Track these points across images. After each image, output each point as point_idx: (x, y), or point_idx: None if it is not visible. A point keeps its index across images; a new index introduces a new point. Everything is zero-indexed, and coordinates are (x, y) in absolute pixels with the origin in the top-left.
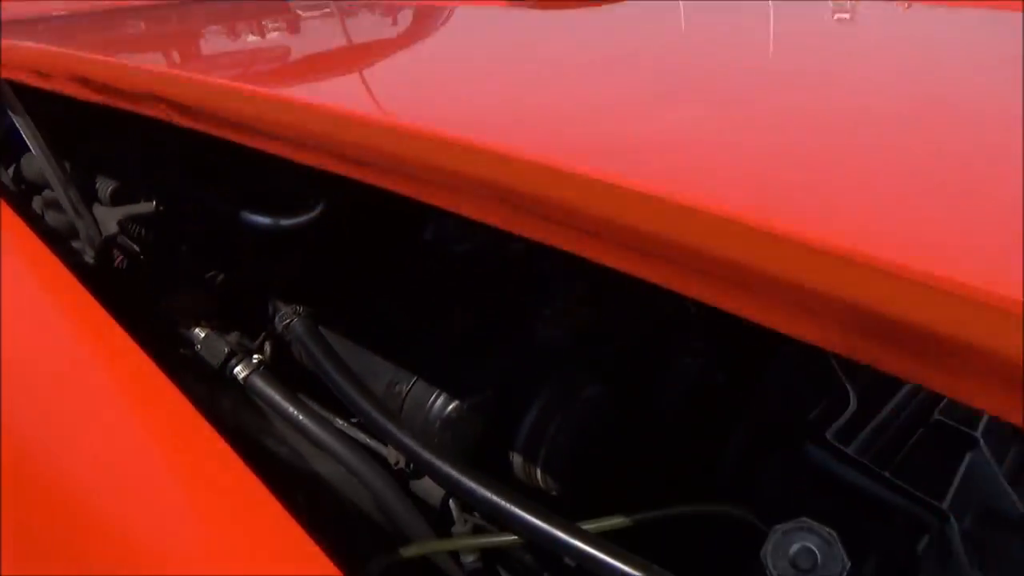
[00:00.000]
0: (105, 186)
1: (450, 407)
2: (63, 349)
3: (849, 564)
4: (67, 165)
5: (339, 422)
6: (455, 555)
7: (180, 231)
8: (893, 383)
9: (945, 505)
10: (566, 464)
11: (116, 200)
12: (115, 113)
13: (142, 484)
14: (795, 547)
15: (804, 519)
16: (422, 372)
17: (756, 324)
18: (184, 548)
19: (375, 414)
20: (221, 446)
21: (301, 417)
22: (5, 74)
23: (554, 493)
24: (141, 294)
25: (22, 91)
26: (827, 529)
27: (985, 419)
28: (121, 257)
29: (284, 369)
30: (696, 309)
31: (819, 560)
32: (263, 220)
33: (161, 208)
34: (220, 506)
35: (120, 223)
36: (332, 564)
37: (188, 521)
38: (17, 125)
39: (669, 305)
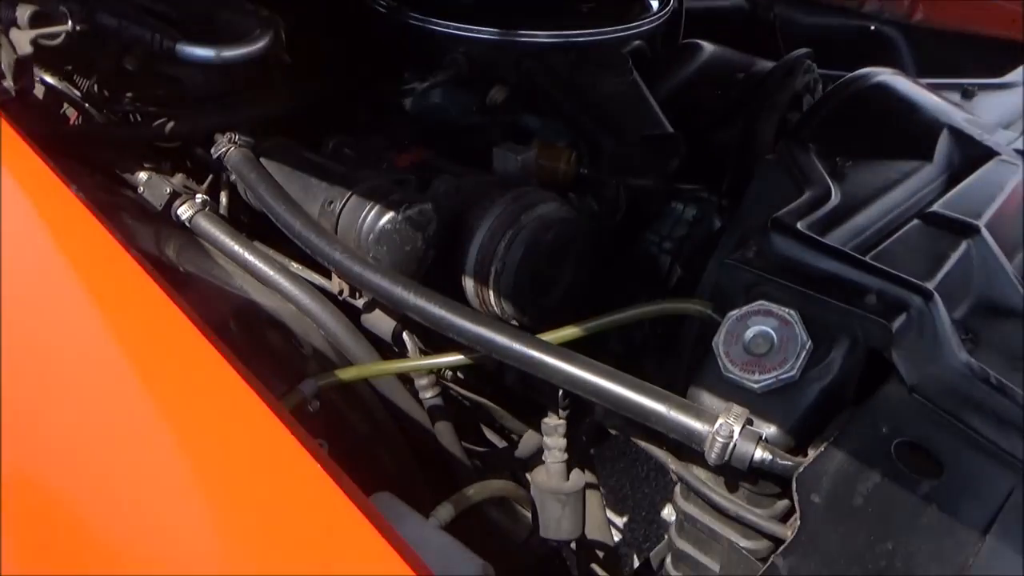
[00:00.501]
0: (24, 11)
1: (384, 218)
2: None
3: (810, 344)
4: None
5: (285, 261)
6: (415, 392)
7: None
8: (886, 185)
9: (932, 286)
10: (520, 283)
11: (34, 23)
12: None
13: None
14: (750, 331)
15: (761, 302)
16: (357, 190)
17: None
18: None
19: (307, 232)
20: (144, 280)
21: (245, 254)
22: None
23: (512, 321)
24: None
25: None
26: (786, 309)
27: (993, 209)
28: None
29: (239, 217)
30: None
31: (776, 343)
32: (204, 52)
33: (78, 28)
34: (145, 341)
35: (34, 43)
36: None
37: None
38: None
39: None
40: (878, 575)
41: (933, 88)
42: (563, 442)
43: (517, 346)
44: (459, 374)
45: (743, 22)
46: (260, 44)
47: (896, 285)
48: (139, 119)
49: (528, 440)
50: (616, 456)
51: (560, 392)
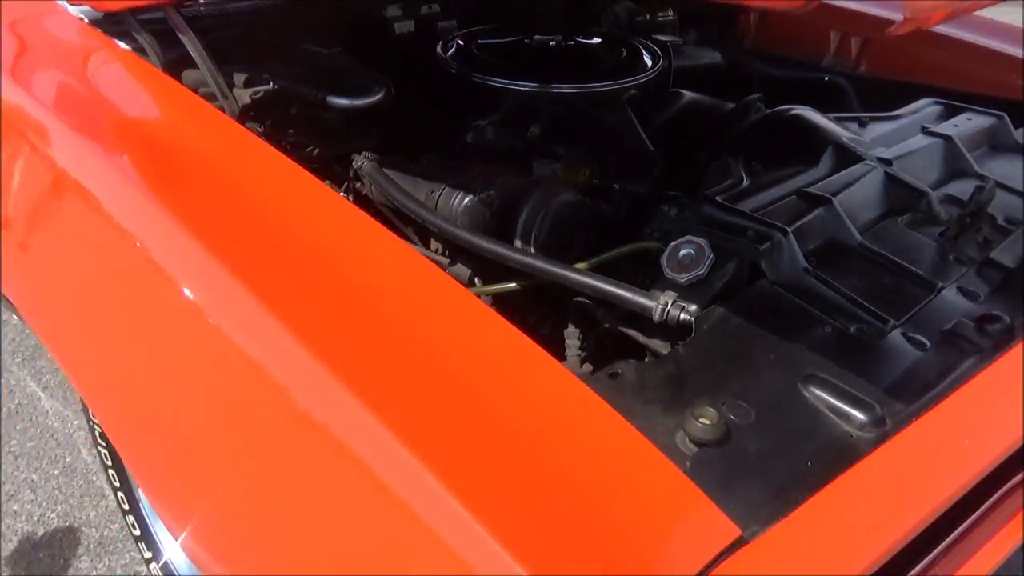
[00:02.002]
0: (239, 78)
1: (467, 200)
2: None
3: (713, 257)
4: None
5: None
6: None
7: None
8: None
9: (790, 229)
10: (549, 243)
11: (247, 85)
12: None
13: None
14: (681, 252)
15: (689, 236)
16: (447, 183)
17: None
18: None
19: (420, 209)
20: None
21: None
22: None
23: None
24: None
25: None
26: (702, 240)
27: (848, 189)
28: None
29: None
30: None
31: (694, 258)
32: (343, 101)
33: (276, 88)
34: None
35: (250, 101)
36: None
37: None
38: (183, 40)
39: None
40: (731, 359)
41: (837, 120)
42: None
43: (557, 270)
44: None
45: (726, 74)
46: (377, 96)
47: (765, 227)
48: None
49: None
50: None
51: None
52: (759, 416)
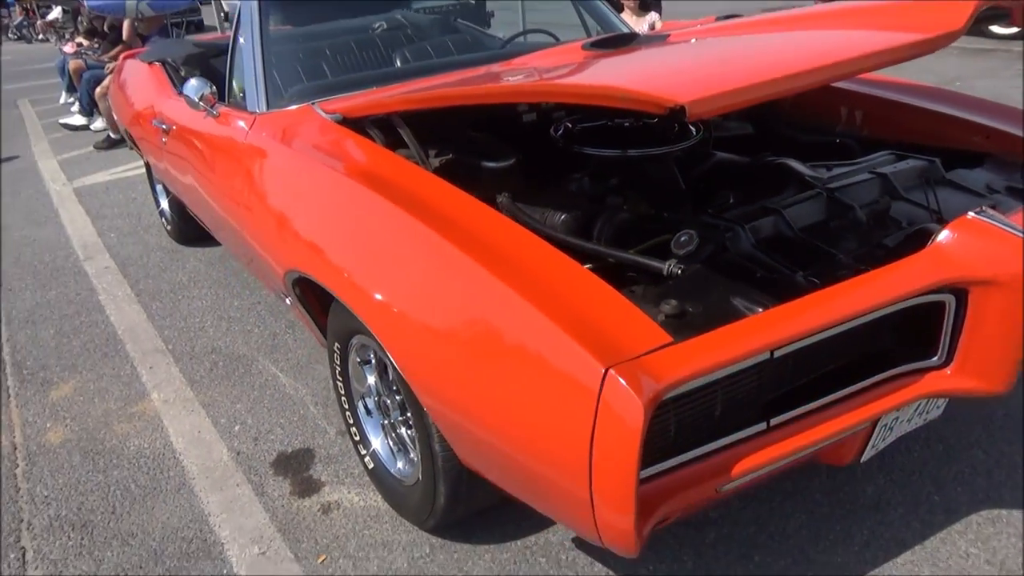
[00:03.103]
0: (431, 152)
1: (562, 216)
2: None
3: (697, 241)
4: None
5: None
6: None
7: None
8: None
9: (746, 225)
10: (610, 241)
11: (436, 156)
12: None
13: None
14: (683, 238)
15: (686, 231)
16: (554, 208)
17: None
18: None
19: (533, 223)
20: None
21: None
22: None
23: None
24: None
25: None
26: (691, 231)
27: (794, 201)
28: None
29: None
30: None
31: (688, 241)
32: (494, 165)
33: (452, 157)
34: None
35: (438, 164)
36: None
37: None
38: (400, 131)
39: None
40: (700, 289)
41: (812, 166)
42: None
43: (611, 251)
44: None
45: (756, 140)
46: (511, 161)
47: (731, 223)
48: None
49: None
50: None
51: None
52: (705, 309)
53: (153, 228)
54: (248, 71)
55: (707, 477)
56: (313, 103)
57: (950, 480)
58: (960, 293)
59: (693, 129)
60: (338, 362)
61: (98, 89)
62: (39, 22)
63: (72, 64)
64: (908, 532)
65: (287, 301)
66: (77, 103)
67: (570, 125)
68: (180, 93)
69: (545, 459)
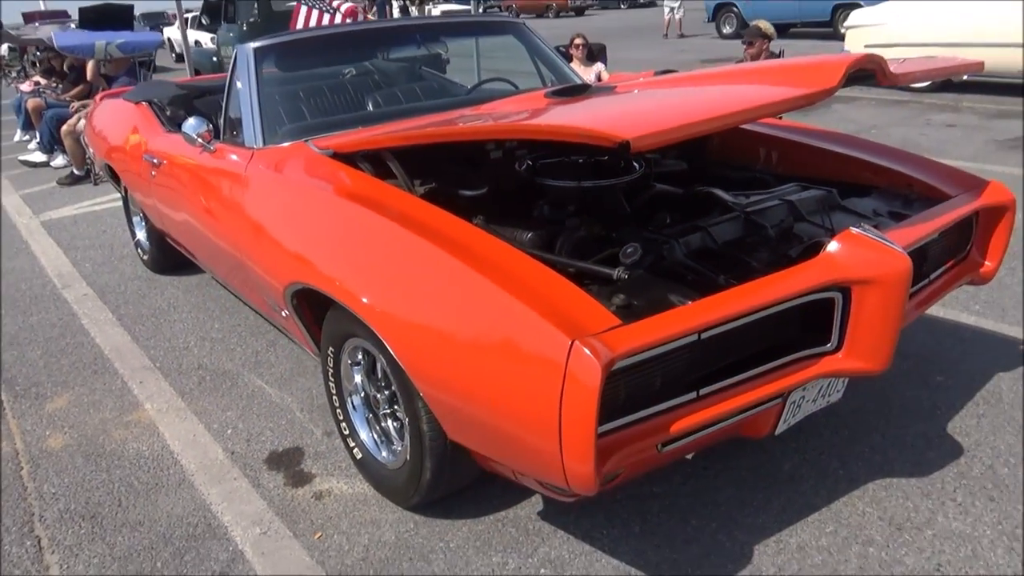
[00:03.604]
0: (416, 182)
1: (528, 234)
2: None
3: (640, 252)
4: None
5: None
6: None
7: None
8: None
9: (680, 240)
10: (570, 254)
11: (421, 185)
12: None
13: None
14: (628, 249)
15: (632, 244)
16: (522, 229)
17: None
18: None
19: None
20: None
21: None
22: (385, 146)
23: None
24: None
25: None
26: (636, 244)
27: (721, 219)
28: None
29: None
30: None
31: (633, 252)
32: (468, 192)
33: (434, 185)
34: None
35: (423, 191)
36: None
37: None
38: (389, 164)
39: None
40: (642, 289)
41: (734, 194)
42: None
43: (570, 261)
44: None
45: (689, 174)
46: (482, 190)
47: (664, 237)
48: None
49: None
50: None
51: None
52: (646, 303)
53: (128, 258)
54: (245, 111)
55: (650, 433)
56: (307, 140)
57: (852, 458)
58: (845, 291)
59: (636, 165)
60: (331, 364)
61: (64, 127)
62: None
63: (31, 103)
64: (817, 498)
65: (283, 314)
66: (35, 140)
67: (531, 162)
68: (170, 130)
69: (522, 422)
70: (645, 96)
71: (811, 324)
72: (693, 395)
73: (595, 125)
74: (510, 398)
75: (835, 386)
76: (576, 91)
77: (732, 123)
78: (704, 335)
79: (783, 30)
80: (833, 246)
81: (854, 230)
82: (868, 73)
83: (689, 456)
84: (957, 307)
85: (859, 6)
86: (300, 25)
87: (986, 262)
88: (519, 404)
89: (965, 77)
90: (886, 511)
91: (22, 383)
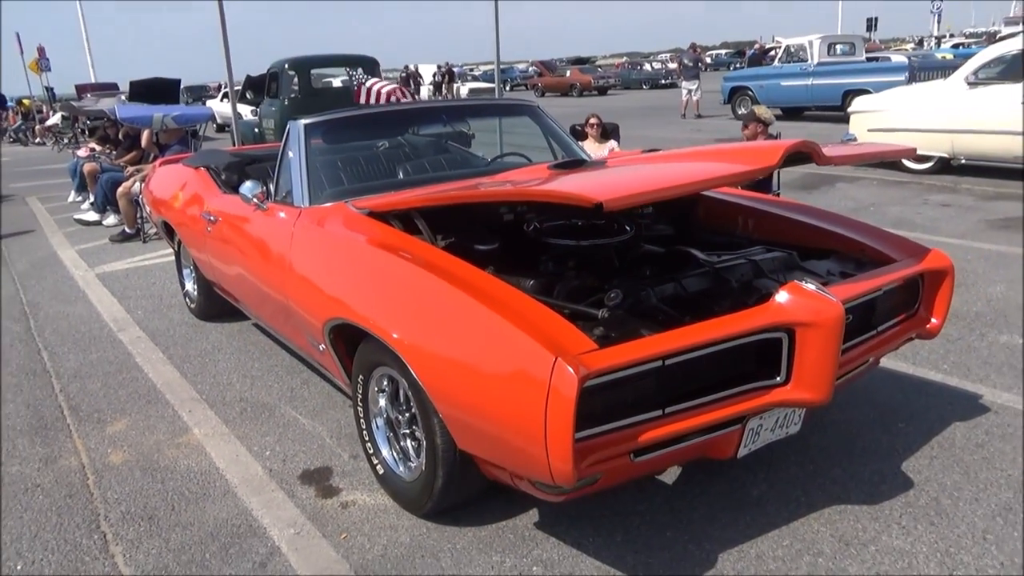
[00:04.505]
0: (438, 237)
1: (531, 282)
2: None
3: (621, 297)
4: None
5: None
6: None
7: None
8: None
9: (652, 288)
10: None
11: (442, 240)
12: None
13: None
14: (612, 294)
15: (615, 289)
16: (526, 277)
17: None
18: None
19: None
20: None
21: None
22: (412, 206)
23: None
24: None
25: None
26: (618, 290)
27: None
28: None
29: None
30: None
31: (615, 296)
32: (483, 247)
33: (453, 240)
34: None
35: (443, 245)
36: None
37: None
38: (416, 222)
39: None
40: (620, 324)
41: (707, 254)
42: None
43: (565, 303)
44: None
45: (676, 236)
46: (494, 246)
47: (644, 287)
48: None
49: None
50: None
51: None
52: (622, 335)
53: (176, 307)
54: (295, 176)
55: (622, 441)
56: (346, 201)
57: (814, 488)
58: (791, 332)
59: (628, 228)
60: (360, 391)
61: (120, 189)
62: (37, 126)
63: (87, 167)
64: (778, 518)
65: (320, 348)
66: (87, 201)
67: (539, 224)
68: (226, 192)
69: (517, 428)
70: (627, 169)
71: (765, 361)
72: (659, 412)
73: (578, 190)
74: (507, 409)
75: (792, 418)
76: (574, 164)
77: (686, 192)
78: (668, 362)
79: (796, 113)
80: (780, 295)
81: (798, 283)
82: (806, 155)
83: (659, 475)
84: (927, 366)
85: (867, 91)
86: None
87: (932, 319)
88: (514, 413)
89: (963, 160)
90: (837, 530)
91: (85, 409)
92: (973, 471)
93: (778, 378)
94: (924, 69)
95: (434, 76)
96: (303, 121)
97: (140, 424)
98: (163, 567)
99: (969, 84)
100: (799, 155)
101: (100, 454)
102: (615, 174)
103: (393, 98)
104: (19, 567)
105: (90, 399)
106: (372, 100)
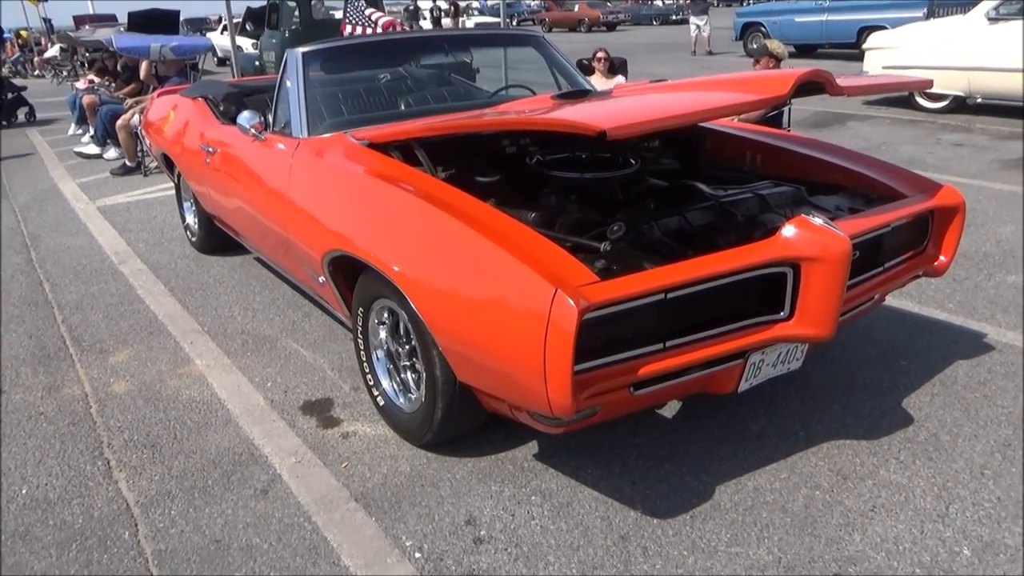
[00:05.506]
0: (438, 168)
1: (533, 215)
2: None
3: (624, 230)
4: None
5: None
6: None
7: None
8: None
9: (655, 222)
10: (568, 232)
11: (443, 171)
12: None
13: None
14: (615, 226)
15: (617, 222)
16: (528, 210)
17: None
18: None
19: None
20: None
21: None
22: (413, 136)
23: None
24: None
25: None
26: (621, 223)
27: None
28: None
29: None
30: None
31: (619, 228)
32: (484, 179)
33: (454, 171)
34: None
35: (444, 176)
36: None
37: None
38: (416, 153)
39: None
40: (623, 257)
41: (713, 187)
42: None
43: (566, 236)
44: None
45: (684, 173)
46: (496, 178)
47: (645, 220)
48: None
49: None
50: None
51: None
52: (624, 268)
53: (177, 240)
54: (292, 106)
55: (621, 374)
56: (346, 132)
57: (813, 423)
58: (795, 267)
59: (632, 161)
60: (360, 323)
61: (119, 121)
62: (36, 59)
63: (86, 99)
64: (776, 453)
65: (320, 281)
66: (88, 134)
67: (541, 157)
68: (224, 123)
69: (516, 360)
70: (631, 99)
71: (769, 297)
72: (660, 346)
73: (581, 119)
74: (507, 341)
75: (794, 354)
76: (577, 95)
77: (692, 121)
78: (670, 295)
79: (810, 50)
80: (787, 229)
81: (803, 216)
82: (818, 85)
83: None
84: (932, 304)
85: (884, 28)
86: (346, 32)
87: (940, 256)
88: (514, 345)
89: (979, 99)
90: (835, 464)
91: (87, 340)
92: (974, 408)
93: (782, 313)
94: (944, 4)
95: (432, 11)
96: (301, 50)
97: (142, 355)
98: (166, 492)
99: (990, 20)
100: (811, 85)
101: (103, 384)
102: (620, 103)
103: (391, 29)
104: (24, 491)
105: (92, 330)
106: (368, 31)
